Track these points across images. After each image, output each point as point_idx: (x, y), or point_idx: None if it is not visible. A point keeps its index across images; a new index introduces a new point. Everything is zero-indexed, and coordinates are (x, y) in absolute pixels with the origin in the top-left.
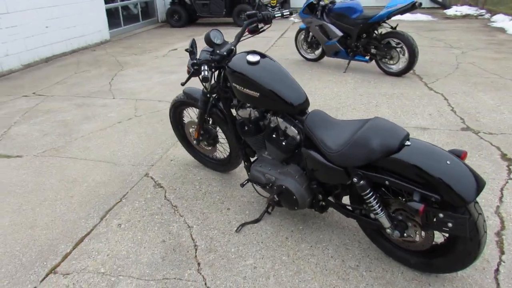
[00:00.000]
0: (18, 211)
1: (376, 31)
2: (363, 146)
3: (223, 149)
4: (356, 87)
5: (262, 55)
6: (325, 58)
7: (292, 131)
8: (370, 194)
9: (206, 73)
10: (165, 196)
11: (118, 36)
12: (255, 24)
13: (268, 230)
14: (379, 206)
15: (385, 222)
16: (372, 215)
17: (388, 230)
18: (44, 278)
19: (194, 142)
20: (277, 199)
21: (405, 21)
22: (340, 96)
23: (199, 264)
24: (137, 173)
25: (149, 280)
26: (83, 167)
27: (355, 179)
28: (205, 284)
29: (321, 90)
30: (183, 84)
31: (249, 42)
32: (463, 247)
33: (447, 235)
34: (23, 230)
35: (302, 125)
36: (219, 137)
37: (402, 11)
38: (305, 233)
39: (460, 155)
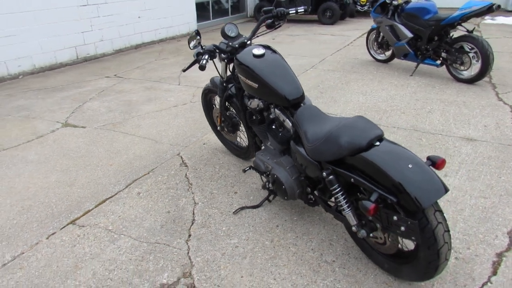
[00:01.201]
0: (65, 171)
1: (448, 34)
2: (333, 142)
3: (244, 137)
4: (416, 92)
5: (270, 49)
6: (395, 60)
7: (288, 123)
8: (337, 190)
9: (204, 62)
10: (185, 174)
11: (206, 28)
12: (271, 20)
13: (263, 216)
14: (346, 203)
15: (351, 220)
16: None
17: (353, 228)
18: (64, 226)
19: (218, 128)
20: (271, 187)
21: (494, 24)
22: (394, 99)
23: (189, 235)
24: (171, 151)
25: (142, 242)
26: (129, 142)
27: (324, 174)
28: (188, 253)
29: (378, 92)
30: (184, 71)
31: (326, 40)
32: (424, 255)
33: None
34: (63, 187)
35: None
36: (240, 125)
37: (478, 13)
38: (296, 224)
39: (435, 161)
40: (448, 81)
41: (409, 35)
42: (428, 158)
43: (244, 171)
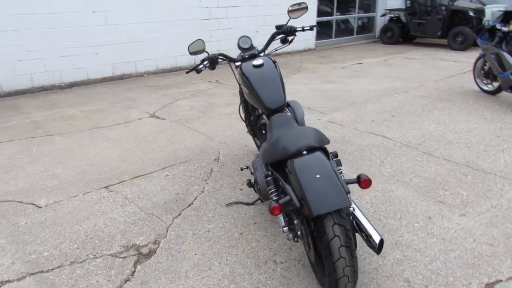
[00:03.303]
0: (127, 150)
1: None
2: (273, 146)
3: None
4: (504, 128)
5: (270, 62)
6: (505, 93)
7: None
8: (272, 190)
9: (201, 66)
10: (212, 168)
11: (324, 46)
12: (283, 36)
13: (249, 213)
14: None
15: (281, 222)
16: None
17: (283, 229)
18: (99, 189)
19: (246, 130)
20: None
21: None
22: (470, 132)
23: (179, 214)
24: (215, 148)
25: (142, 211)
26: (188, 135)
27: (264, 174)
28: (168, 227)
29: (456, 123)
30: (187, 73)
31: (442, 66)
32: (326, 266)
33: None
34: (118, 161)
35: None
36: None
37: None
38: (273, 226)
39: (360, 179)
40: None
41: None
42: (358, 177)
43: (241, 169)
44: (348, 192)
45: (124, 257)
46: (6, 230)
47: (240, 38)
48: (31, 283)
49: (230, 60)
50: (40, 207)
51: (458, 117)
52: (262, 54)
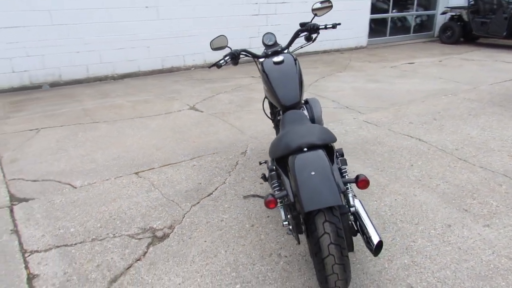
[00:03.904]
0: (163, 139)
1: None
2: (278, 141)
3: None
4: None
5: (291, 59)
6: None
7: None
8: (275, 185)
9: (221, 61)
10: (237, 161)
11: (376, 44)
12: (306, 33)
13: (263, 206)
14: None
15: (282, 215)
16: None
17: (283, 223)
18: (129, 174)
19: (273, 126)
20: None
21: None
22: None
23: (198, 203)
24: (245, 142)
25: (164, 198)
26: (222, 128)
27: (269, 168)
28: (184, 214)
29: (503, 130)
30: (209, 68)
31: (504, 68)
32: (315, 262)
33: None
34: (152, 149)
35: None
36: None
37: None
38: None
39: (358, 179)
40: None
41: None
42: (357, 176)
43: (260, 163)
44: (345, 191)
45: (140, 239)
46: (43, 206)
47: (264, 35)
48: (55, 254)
49: (254, 56)
50: (75, 188)
51: (508, 124)
52: (286, 51)
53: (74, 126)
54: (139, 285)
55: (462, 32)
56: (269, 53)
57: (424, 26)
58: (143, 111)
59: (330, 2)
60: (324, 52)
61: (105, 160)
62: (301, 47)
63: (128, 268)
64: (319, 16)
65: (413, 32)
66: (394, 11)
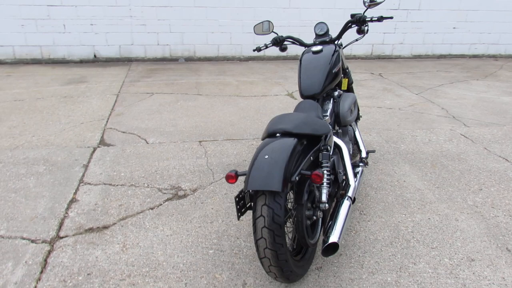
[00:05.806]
0: (242, 118)
1: None
2: (268, 125)
3: None
4: None
5: (329, 49)
6: None
7: None
8: None
9: (261, 46)
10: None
11: None
12: (357, 26)
13: None
14: None
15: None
16: None
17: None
18: (194, 141)
19: None
20: None
21: None
22: None
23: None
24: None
25: (206, 166)
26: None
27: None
28: (211, 183)
29: None
30: (253, 50)
31: None
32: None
33: None
34: (227, 124)
35: None
36: None
37: None
38: None
39: (311, 173)
40: None
41: None
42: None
43: None
44: (292, 181)
45: (164, 193)
46: (116, 153)
47: (316, 24)
48: (99, 189)
49: (300, 43)
50: (148, 143)
51: None
52: (336, 42)
53: (180, 95)
54: (138, 227)
55: None
56: (317, 42)
57: None
58: (243, 90)
59: None
60: (474, 56)
61: (184, 126)
62: (356, 40)
63: (140, 212)
64: (370, 8)
65: None
66: None
